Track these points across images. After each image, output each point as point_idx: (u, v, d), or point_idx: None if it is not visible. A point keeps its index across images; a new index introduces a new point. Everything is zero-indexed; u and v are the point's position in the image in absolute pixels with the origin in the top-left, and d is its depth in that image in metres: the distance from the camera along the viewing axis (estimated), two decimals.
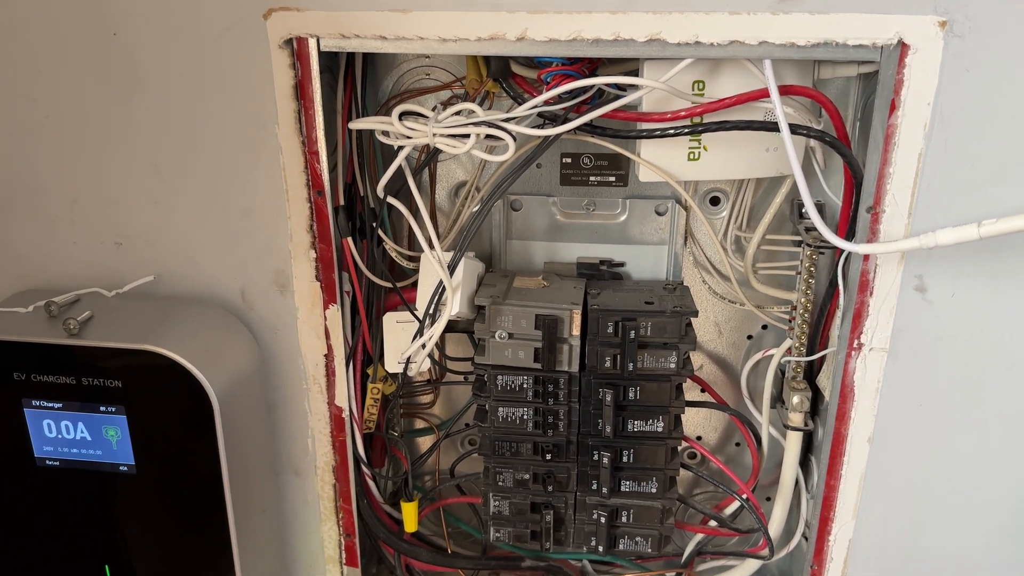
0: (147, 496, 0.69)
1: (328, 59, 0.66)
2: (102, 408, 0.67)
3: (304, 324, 0.71)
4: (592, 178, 0.78)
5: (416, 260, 0.75)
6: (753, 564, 0.81)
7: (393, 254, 0.75)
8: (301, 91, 0.63)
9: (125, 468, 0.68)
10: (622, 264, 0.80)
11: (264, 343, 0.72)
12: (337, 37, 0.61)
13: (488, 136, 0.64)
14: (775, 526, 0.78)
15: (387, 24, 0.60)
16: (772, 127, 0.61)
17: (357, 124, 0.67)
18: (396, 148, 0.67)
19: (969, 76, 0.57)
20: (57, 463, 0.69)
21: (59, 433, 0.68)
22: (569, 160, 0.77)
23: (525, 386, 0.71)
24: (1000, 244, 0.61)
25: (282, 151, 0.65)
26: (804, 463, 0.78)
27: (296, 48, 0.62)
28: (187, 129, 0.66)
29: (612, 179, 0.78)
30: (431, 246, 0.69)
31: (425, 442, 0.90)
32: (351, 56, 0.70)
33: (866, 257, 0.63)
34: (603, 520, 0.74)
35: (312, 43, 0.62)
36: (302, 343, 0.72)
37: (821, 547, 0.73)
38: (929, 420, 0.68)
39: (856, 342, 0.65)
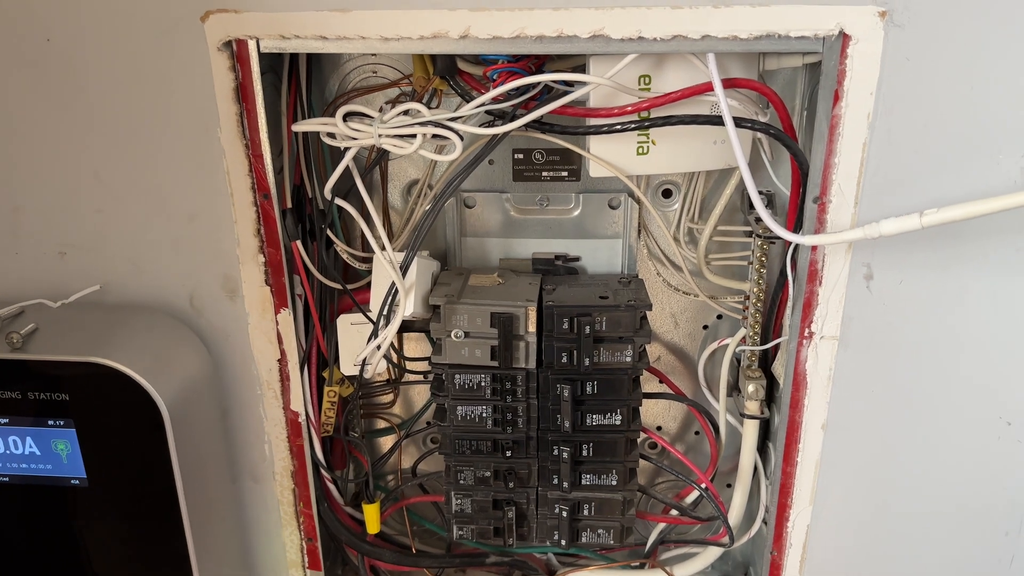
0: (101, 509, 0.68)
1: (271, 60, 0.65)
2: (50, 422, 0.66)
3: (255, 329, 0.70)
4: (545, 173, 0.78)
5: (369, 261, 0.75)
6: (715, 551, 0.82)
7: (344, 256, 0.74)
8: (242, 93, 0.62)
9: (77, 482, 0.67)
10: (577, 259, 0.80)
11: (215, 350, 0.71)
12: (277, 38, 0.60)
13: (436, 135, 0.64)
14: (735, 513, 0.78)
15: (327, 24, 0.59)
16: (718, 121, 0.61)
17: (300, 126, 0.66)
18: (343, 149, 0.66)
19: (910, 65, 0.58)
20: (7, 479, 0.68)
21: (7, 449, 0.67)
22: (521, 156, 0.77)
23: (483, 384, 0.71)
24: (943, 232, 0.61)
25: (225, 155, 0.64)
26: (762, 450, 0.79)
27: (236, 50, 0.61)
28: (128, 135, 0.65)
29: (565, 174, 0.77)
30: (382, 247, 0.68)
31: (387, 442, 0.89)
32: (295, 56, 0.69)
33: (814, 247, 0.63)
34: (565, 514, 0.74)
35: (252, 45, 0.61)
36: (254, 348, 0.71)
37: (780, 533, 0.74)
38: (881, 405, 0.69)
39: (807, 331, 0.66)
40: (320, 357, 0.76)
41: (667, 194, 0.78)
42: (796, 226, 0.66)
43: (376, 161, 0.74)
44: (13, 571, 0.71)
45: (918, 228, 0.57)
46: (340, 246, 0.74)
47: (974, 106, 0.59)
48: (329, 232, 0.72)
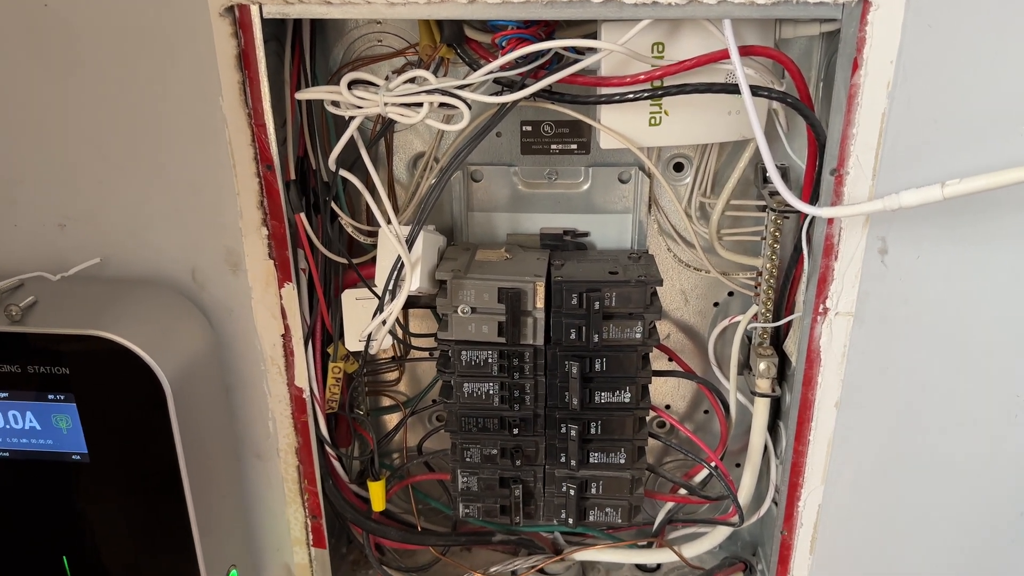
0: (102, 485, 0.68)
1: (274, 27, 0.64)
2: (50, 396, 0.65)
3: (259, 304, 0.69)
4: (553, 146, 0.76)
5: (375, 235, 0.73)
6: (724, 531, 0.81)
7: (349, 229, 0.73)
8: (245, 61, 0.61)
9: (78, 457, 0.66)
10: (586, 234, 0.79)
11: (218, 325, 0.70)
12: (280, 3, 0.58)
13: (442, 104, 0.62)
14: (744, 492, 0.78)
15: None
16: (733, 90, 0.59)
17: (304, 94, 0.65)
18: (347, 119, 0.65)
19: (932, 33, 0.56)
20: (7, 454, 0.67)
21: (7, 423, 0.66)
22: (529, 128, 0.75)
23: (490, 361, 0.70)
24: (965, 204, 0.60)
25: (227, 124, 0.63)
26: (773, 429, 0.78)
27: (238, 16, 0.59)
28: (128, 104, 0.64)
29: (574, 147, 0.76)
30: (387, 220, 0.66)
31: (392, 419, 0.89)
32: (299, 23, 0.67)
33: (830, 221, 0.62)
34: (572, 492, 0.74)
35: (254, 10, 0.59)
36: (258, 323, 0.70)
37: (791, 512, 0.73)
38: (896, 383, 0.67)
39: (821, 307, 0.65)
40: (324, 333, 0.75)
41: (679, 168, 0.76)
42: (812, 199, 0.65)
43: (381, 132, 0.73)
44: (14, 546, 0.71)
45: (939, 199, 0.56)
46: (345, 219, 0.72)
47: (997, 75, 0.57)
48: (334, 205, 0.71)
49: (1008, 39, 0.56)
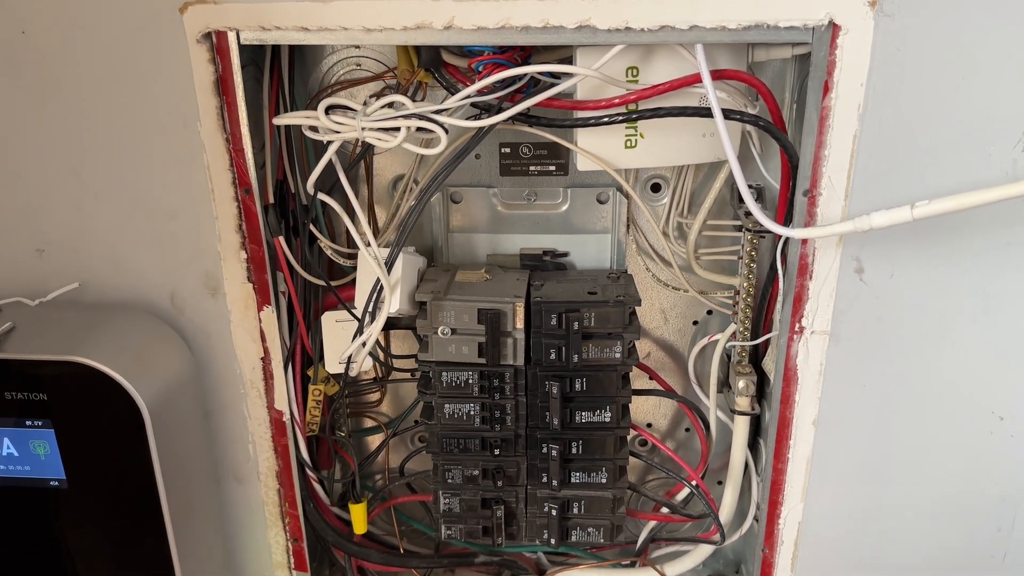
0: (81, 511, 0.67)
1: (252, 52, 0.64)
2: (28, 422, 0.64)
3: (238, 327, 0.69)
4: (532, 168, 0.76)
5: (355, 257, 0.74)
6: (707, 549, 0.81)
7: (329, 252, 0.73)
8: (223, 86, 0.61)
9: (56, 483, 0.66)
10: (566, 254, 0.79)
11: (197, 349, 0.70)
12: (257, 30, 0.59)
13: (420, 129, 0.63)
14: (726, 510, 0.78)
15: (308, 15, 0.58)
16: (706, 113, 0.60)
17: (282, 120, 0.65)
18: (326, 143, 0.65)
19: (900, 56, 0.57)
20: None
21: None
22: (508, 150, 0.76)
23: (471, 382, 0.70)
24: (936, 224, 0.61)
25: (205, 149, 0.63)
26: (753, 446, 0.78)
27: (215, 42, 0.60)
28: (106, 130, 0.64)
29: (552, 168, 0.76)
30: (366, 243, 0.67)
31: (375, 441, 0.88)
32: (277, 49, 0.67)
33: (804, 241, 0.63)
34: (554, 512, 0.74)
35: (232, 36, 0.59)
36: (237, 347, 0.70)
37: (771, 530, 0.73)
38: (873, 401, 0.68)
39: (797, 326, 0.65)
40: (304, 355, 0.75)
41: (656, 188, 0.77)
42: (786, 220, 0.65)
43: (360, 156, 0.73)
44: None
45: (909, 220, 0.56)
46: (324, 242, 0.72)
47: (965, 97, 0.58)
48: (313, 228, 0.71)
49: (976, 61, 0.57)
